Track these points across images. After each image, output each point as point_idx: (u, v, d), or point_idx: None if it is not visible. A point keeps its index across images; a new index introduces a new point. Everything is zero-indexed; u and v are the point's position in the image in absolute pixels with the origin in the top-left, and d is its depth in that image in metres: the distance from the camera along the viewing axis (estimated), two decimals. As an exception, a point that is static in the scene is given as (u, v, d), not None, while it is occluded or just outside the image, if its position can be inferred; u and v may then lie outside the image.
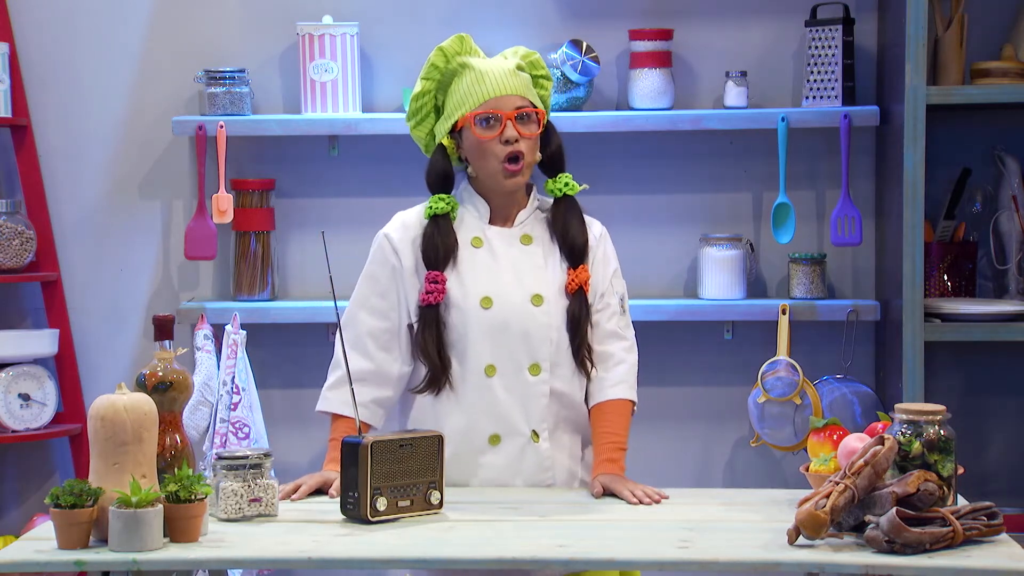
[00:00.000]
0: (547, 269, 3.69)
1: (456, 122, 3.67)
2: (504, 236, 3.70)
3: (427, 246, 3.68)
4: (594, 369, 3.72)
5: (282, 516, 3.38)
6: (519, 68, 3.70)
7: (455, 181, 3.74)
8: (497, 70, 3.66)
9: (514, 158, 3.62)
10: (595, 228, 3.77)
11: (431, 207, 3.69)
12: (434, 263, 3.67)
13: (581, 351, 3.68)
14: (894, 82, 4.68)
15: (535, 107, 3.66)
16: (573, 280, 3.68)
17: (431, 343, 3.65)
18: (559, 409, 3.69)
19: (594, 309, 3.72)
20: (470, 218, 3.71)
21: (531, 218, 3.73)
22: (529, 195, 3.75)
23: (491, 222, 3.72)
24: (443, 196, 3.70)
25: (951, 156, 4.91)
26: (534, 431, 3.67)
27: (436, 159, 3.72)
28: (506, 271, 3.67)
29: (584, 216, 3.75)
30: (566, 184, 3.72)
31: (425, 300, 3.65)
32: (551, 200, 3.76)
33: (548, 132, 3.73)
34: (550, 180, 3.73)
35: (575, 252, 3.70)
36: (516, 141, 3.61)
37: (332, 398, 3.70)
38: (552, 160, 3.73)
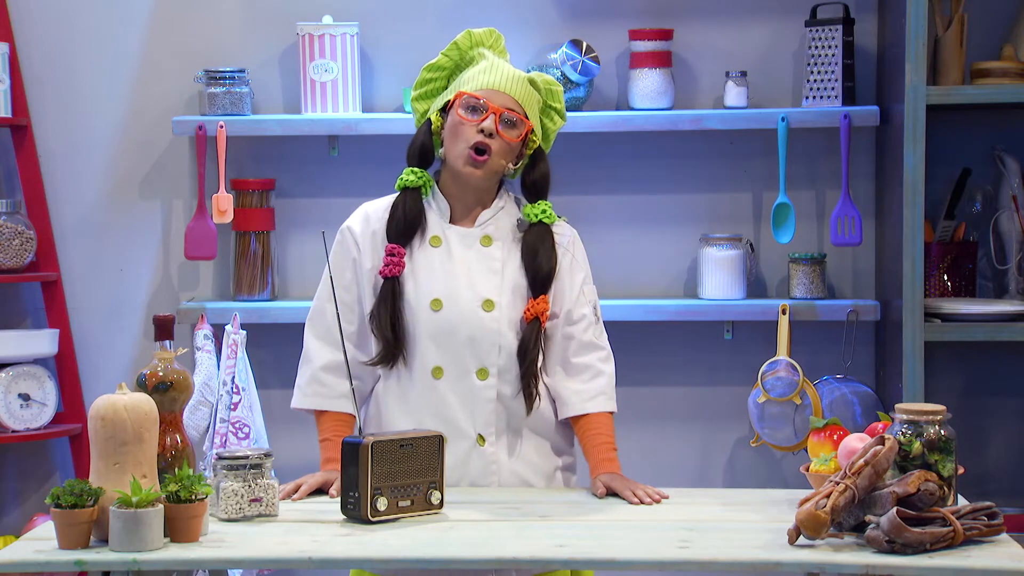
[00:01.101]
0: (504, 272, 3.69)
1: (450, 100, 3.68)
2: (463, 236, 3.70)
3: (392, 218, 3.68)
4: (559, 395, 3.70)
5: (282, 516, 3.38)
6: (532, 84, 3.71)
7: (432, 162, 3.75)
8: (508, 70, 3.68)
9: (480, 150, 3.62)
10: (565, 234, 3.75)
11: (402, 179, 3.71)
12: (395, 236, 3.67)
13: (527, 379, 3.66)
14: (894, 82, 4.68)
15: (526, 118, 3.66)
16: (530, 310, 3.67)
17: (385, 316, 3.64)
18: (507, 414, 3.68)
19: (566, 320, 3.71)
20: (432, 216, 3.71)
21: (494, 218, 3.73)
22: (497, 194, 3.74)
23: (452, 221, 3.72)
24: (415, 170, 3.72)
25: (951, 156, 4.91)
26: (480, 435, 3.66)
27: (419, 132, 3.75)
28: (461, 273, 3.67)
29: (555, 232, 3.73)
30: (543, 211, 3.72)
31: (383, 272, 3.66)
32: (523, 203, 3.76)
33: (536, 159, 3.73)
34: (529, 205, 3.74)
35: (538, 281, 3.69)
36: (491, 136, 3.62)
37: (310, 394, 3.70)
38: (535, 186, 3.74)
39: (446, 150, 3.68)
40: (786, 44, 5.02)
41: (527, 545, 3.15)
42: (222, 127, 4.90)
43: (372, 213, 3.73)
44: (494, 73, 3.67)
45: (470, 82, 3.67)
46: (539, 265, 3.68)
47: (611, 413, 3.71)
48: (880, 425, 3.42)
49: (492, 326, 3.65)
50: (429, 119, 3.72)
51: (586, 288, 3.74)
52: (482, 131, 3.61)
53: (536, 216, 3.72)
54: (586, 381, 3.69)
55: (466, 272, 3.67)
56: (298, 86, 4.99)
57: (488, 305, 3.65)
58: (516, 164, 3.71)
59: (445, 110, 3.70)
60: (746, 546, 3.12)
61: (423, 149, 3.73)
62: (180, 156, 5.09)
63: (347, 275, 3.71)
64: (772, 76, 5.01)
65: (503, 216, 3.73)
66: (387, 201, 3.74)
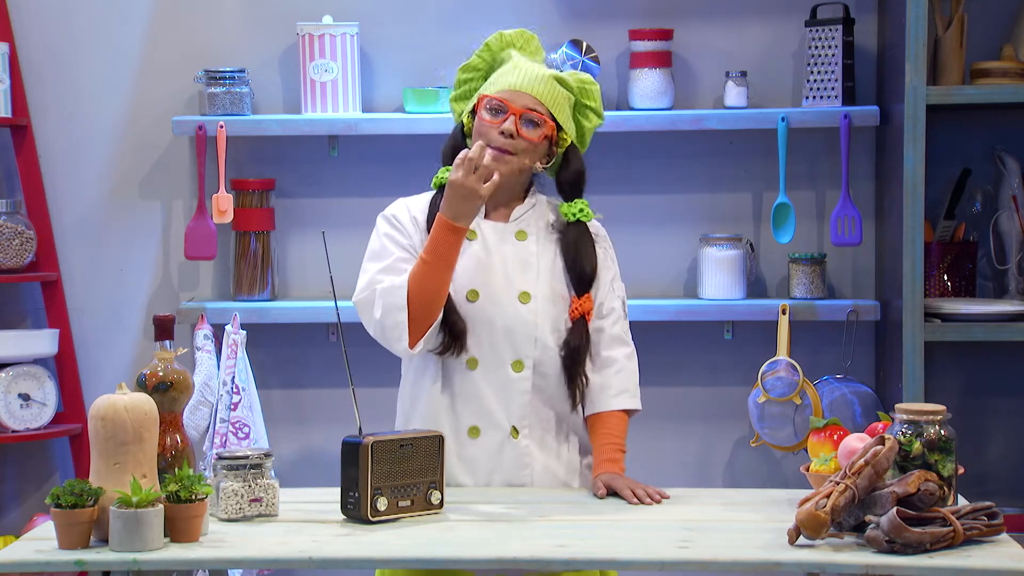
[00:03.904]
0: (539, 266, 3.71)
1: (476, 103, 3.72)
2: (499, 231, 3.72)
3: (431, 213, 3.69)
4: (586, 390, 3.72)
5: (282, 516, 3.38)
6: (560, 82, 3.72)
7: None
8: (530, 70, 3.70)
9: (500, 151, 3.64)
10: (598, 231, 3.79)
11: (438, 176, 3.74)
12: None
13: (575, 381, 3.69)
14: (894, 82, 4.68)
15: (551, 117, 3.67)
16: (576, 309, 3.70)
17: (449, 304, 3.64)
18: (541, 407, 3.70)
19: (597, 313, 3.74)
20: None
21: (528, 213, 3.75)
22: (528, 191, 3.77)
23: (486, 216, 3.74)
24: (450, 168, 3.73)
25: (951, 156, 4.91)
26: (514, 427, 3.68)
27: (453, 132, 3.79)
28: (497, 266, 3.70)
29: (592, 234, 3.76)
30: (580, 210, 3.75)
31: None
32: (557, 200, 3.78)
33: (569, 156, 3.75)
34: (565, 204, 3.76)
35: (582, 280, 3.72)
36: (511, 137, 3.63)
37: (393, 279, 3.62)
38: (569, 184, 3.76)
39: None
40: (786, 44, 5.02)
41: (527, 545, 3.15)
42: (222, 127, 4.90)
43: (411, 204, 3.77)
44: (515, 74, 3.69)
45: (493, 84, 3.71)
46: (581, 265, 3.72)
47: (629, 413, 3.74)
48: (880, 425, 3.42)
49: (529, 318, 3.67)
50: (462, 121, 3.76)
51: (615, 284, 3.78)
52: (502, 132, 3.63)
53: (573, 215, 3.74)
54: (611, 376, 3.72)
55: (502, 265, 3.70)
56: (298, 86, 4.99)
57: (524, 297, 3.68)
58: (547, 163, 3.73)
59: (475, 112, 3.73)
60: (746, 546, 3.12)
61: (455, 150, 3.75)
62: (180, 156, 5.09)
63: (401, 236, 3.69)
64: (772, 76, 5.01)
65: (536, 212, 3.76)
66: (424, 197, 3.77)
